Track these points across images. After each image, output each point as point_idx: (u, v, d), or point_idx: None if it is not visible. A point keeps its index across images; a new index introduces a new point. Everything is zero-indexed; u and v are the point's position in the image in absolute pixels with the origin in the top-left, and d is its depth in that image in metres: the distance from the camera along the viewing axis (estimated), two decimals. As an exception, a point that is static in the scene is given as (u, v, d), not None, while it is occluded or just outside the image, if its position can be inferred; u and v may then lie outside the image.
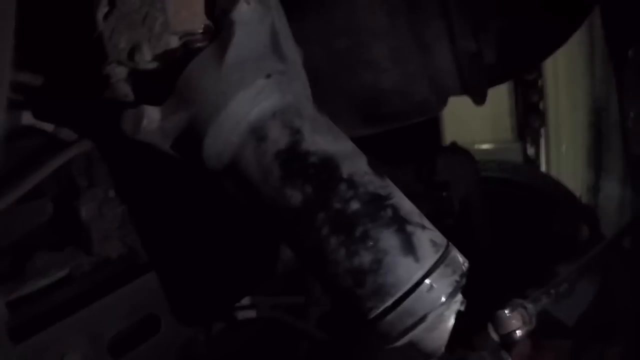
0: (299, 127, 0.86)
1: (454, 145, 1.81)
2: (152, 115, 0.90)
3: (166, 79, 0.93)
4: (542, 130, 2.87)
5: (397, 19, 1.37)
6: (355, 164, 0.85)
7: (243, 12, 0.90)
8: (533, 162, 2.95)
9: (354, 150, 0.88)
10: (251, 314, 1.53)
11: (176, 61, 0.94)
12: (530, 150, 2.95)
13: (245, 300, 1.53)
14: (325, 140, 0.86)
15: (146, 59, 0.94)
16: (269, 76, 0.89)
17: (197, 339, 1.44)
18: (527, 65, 2.23)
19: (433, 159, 1.69)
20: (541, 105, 2.85)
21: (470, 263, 0.89)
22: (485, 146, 2.92)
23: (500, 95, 2.85)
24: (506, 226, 1.91)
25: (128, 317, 1.20)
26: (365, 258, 0.80)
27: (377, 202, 0.82)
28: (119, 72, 0.96)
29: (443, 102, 1.48)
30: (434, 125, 2.40)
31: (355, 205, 0.82)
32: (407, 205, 0.85)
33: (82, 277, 1.18)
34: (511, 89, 2.87)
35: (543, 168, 2.90)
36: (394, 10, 1.37)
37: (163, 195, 1.25)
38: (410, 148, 1.76)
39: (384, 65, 1.37)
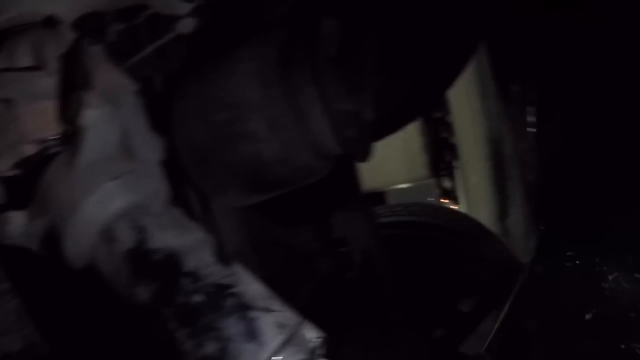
0: (144, 226, 0.90)
1: (349, 200, 1.85)
2: (17, 220, 0.93)
3: (27, 185, 0.95)
4: (455, 164, 2.92)
5: (271, 90, 1.41)
6: (198, 257, 0.89)
7: (89, 116, 0.94)
8: (451, 195, 3.01)
9: (198, 242, 0.92)
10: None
11: (34, 168, 0.97)
12: (447, 184, 3.01)
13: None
14: (170, 235, 0.89)
15: (6, 168, 0.97)
16: (116, 178, 0.92)
17: None
18: (414, 114, 2.29)
19: (328, 218, 1.73)
20: (452, 139, 2.91)
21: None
22: (402, 185, 2.95)
23: (411, 134, 2.90)
24: (415, 269, 1.95)
25: (33, 411, 1.20)
26: (210, 348, 0.83)
27: (219, 292, 0.86)
28: (-15, 179, 0.98)
29: (328, 164, 1.52)
30: (343, 176, 2.44)
31: (198, 298, 0.85)
32: (252, 291, 0.89)
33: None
34: (421, 127, 2.92)
35: (461, 200, 2.95)
36: (267, 83, 1.41)
37: (57, 284, 1.26)
38: (310, 206, 1.80)
39: (263, 136, 1.40)
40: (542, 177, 1.89)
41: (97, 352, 1.29)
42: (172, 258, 0.88)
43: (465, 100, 2.68)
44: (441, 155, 2.96)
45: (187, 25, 1.39)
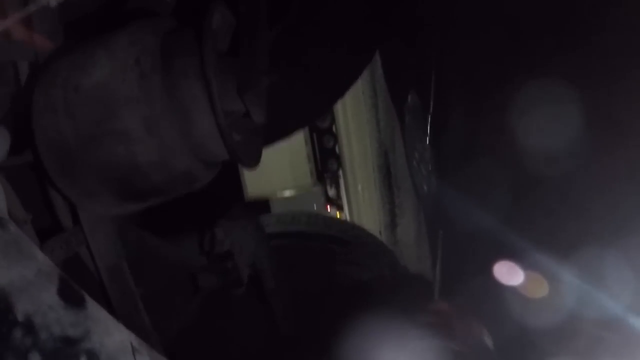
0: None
1: (235, 209, 1.60)
2: None
3: None
4: (340, 173, 2.77)
5: (149, 82, 1.15)
6: (36, 298, 0.59)
7: None
8: (336, 203, 2.86)
9: (38, 274, 0.62)
10: None
11: None
12: (332, 192, 2.86)
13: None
14: (-4, 266, 0.59)
15: None
16: None
17: None
18: (305, 120, 2.11)
19: (212, 230, 1.46)
20: (337, 149, 2.76)
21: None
22: (287, 193, 2.77)
23: (297, 143, 2.74)
24: (302, 280, 1.72)
25: None
26: None
27: (66, 349, 0.57)
28: None
29: (212, 170, 1.27)
30: (229, 181, 2.21)
31: (35, 358, 0.55)
32: (113, 342, 0.60)
33: None
34: (307, 137, 2.77)
35: (345, 209, 2.81)
36: (146, 74, 1.16)
37: None
38: (193, 216, 1.53)
39: (137, 136, 1.15)
40: (438, 186, 1.74)
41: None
42: None
43: (353, 111, 2.56)
44: (326, 164, 2.82)
45: (54, 0, 1.08)
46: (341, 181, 2.82)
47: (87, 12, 1.40)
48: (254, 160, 1.30)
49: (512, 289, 1.56)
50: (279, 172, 2.71)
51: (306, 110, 1.76)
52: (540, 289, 1.55)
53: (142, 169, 1.15)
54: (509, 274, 1.56)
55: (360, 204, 2.72)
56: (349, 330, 1.45)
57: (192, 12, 1.28)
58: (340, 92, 1.87)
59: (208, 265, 1.48)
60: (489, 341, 1.48)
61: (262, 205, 2.74)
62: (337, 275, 1.83)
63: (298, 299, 1.59)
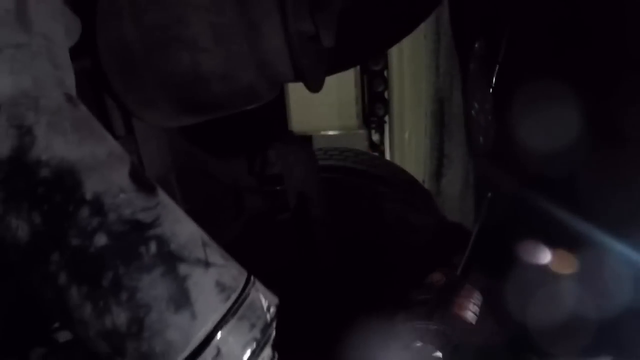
0: (30, 126, 0.54)
1: (288, 134, 1.55)
2: None
3: None
4: (387, 118, 2.69)
5: (222, -9, 1.09)
6: (106, 178, 0.54)
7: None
8: (378, 148, 2.80)
9: (110, 155, 0.57)
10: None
11: None
12: (375, 137, 2.80)
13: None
14: (67, 143, 0.54)
15: None
16: (-2, 51, 0.56)
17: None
18: (369, 53, 2.03)
19: (265, 151, 1.41)
20: (386, 94, 2.69)
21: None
22: (331, 133, 2.71)
23: (346, 83, 2.66)
24: (346, 216, 1.67)
25: None
26: (119, 317, 0.50)
27: (135, 233, 0.52)
28: None
29: (274, 89, 1.21)
30: (276, 111, 2.15)
31: (101, 240, 0.51)
32: (184, 233, 0.55)
33: None
34: (357, 77, 2.68)
35: (387, 155, 2.76)
36: (218, -18, 1.09)
37: None
38: (246, 137, 1.48)
39: (203, 45, 1.10)
40: (494, 142, 1.65)
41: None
42: (67, 176, 0.53)
43: (412, 53, 2.46)
44: (373, 108, 2.74)
45: None
46: (386, 127, 2.76)
47: None
48: (318, 85, 1.24)
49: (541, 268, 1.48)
50: (326, 110, 2.64)
51: (371, 42, 1.67)
52: (569, 266, 1.49)
53: (204, 79, 1.11)
54: (535, 252, 1.49)
55: (405, 151, 2.65)
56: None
57: None
58: (406, 30, 1.78)
59: (256, 186, 1.43)
60: (468, 312, 1.42)
61: (304, 140, 2.70)
62: (384, 212, 1.78)
63: (342, 231, 1.55)
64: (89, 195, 0.52)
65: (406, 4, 1.69)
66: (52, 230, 0.51)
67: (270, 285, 0.66)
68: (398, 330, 1.27)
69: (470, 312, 1.41)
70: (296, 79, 1.19)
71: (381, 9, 1.53)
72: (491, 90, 1.59)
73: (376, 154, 2.74)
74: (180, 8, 1.09)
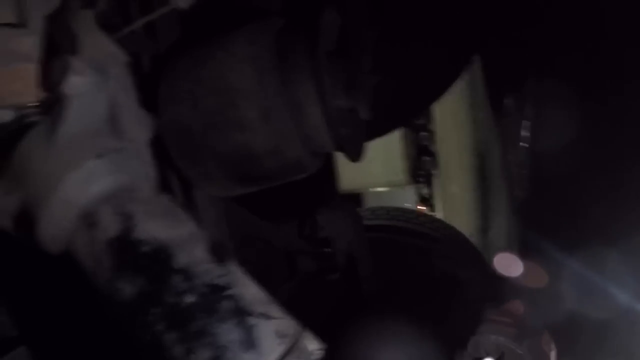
0: (131, 213, 0.77)
1: (336, 198, 1.75)
2: (-15, 196, 0.79)
3: (2, 156, 0.82)
4: (435, 172, 2.86)
5: (266, 78, 1.30)
6: (191, 252, 0.76)
7: (75, 84, 0.81)
8: (428, 203, 2.95)
9: (191, 235, 0.79)
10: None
11: (9, 137, 0.83)
12: (425, 191, 2.95)
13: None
14: (160, 226, 0.77)
15: (-20, 135, 0.83)
16: (101, 156, 0.79)
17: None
18: (405, 119, 2.21)
19: (314, 216, 1.62)
20: (432, 148, 2.85)
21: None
22: (380, 189, 2.88)
23: (392, 140, 2.83)
24: (394, 274, 1.85)
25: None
26: (203, 355, 0.71)
27: (214, 294, 0.74)
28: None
29: (318, 160, 1.42)
30: (324, 177, 2.34)
31: (190, 299, 0.73)
32: (250, 294, 0.77)
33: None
34: (403, 133, 2.85)
35: (437, 209, 2.90)
36: (263, 70, 1.31)
37: (30, 264, 1.13)
38: (297, 202, 1.68)
39: (254, 125, 1.29)
40: (531, 193, 1.81)
41: (69, 344, 1.16)
42: (161, 251, 0.75)
43: (451, 110, 2.63)
44: (420, 162, 2.91)
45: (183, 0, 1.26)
46: (435, 180, 2.91)
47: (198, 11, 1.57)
48: (358, 154, 1.44)
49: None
50: (374, 167, 2.80)
51: (406, 108, 1.87)
52: (539, 279, 1.62)
53: (256, 156, 1.30)
54: (509, 265, 1.63)
55: (453, 205, 2.79)
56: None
57: (298, 9, 1.43)
58: (440, 92, 1.97)
59: (307, 249, 1.63)
60: (552, 352, 1.55)
61: (355, 198, 2.87)
62: (432, 269, 1.94)
63: (391, 289, 1.72)
64: (179, 266, 0.75)
65: (440, 65, 1.89)
66: (152, 291, 0.73)
67: (321, 334, 0.86)
68: (477, 342, 1.42)
69: (553, 352, 1.56)
70: (337, 149, 1.39)
71: (416, 74, 1.74)
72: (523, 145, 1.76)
73: (424, 209, 2.89)
74: (232, 93, 1.31)
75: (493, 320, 1.58)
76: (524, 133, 1.79)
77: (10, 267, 1.12)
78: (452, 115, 2.65)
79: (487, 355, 1.52)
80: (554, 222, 1.76)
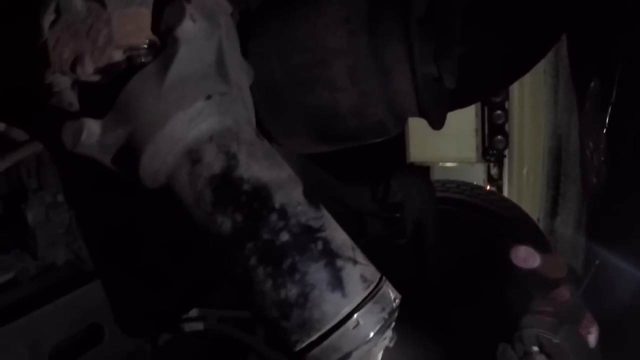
0: (235, 152, 0.82)
1: (410, 166, 1.78)
2: (92, 129, 0.85)
3: (108, 93, 0.88)
4: (506, 152, 2.84)
5: (357, 40, 1.34)
6: (289, 194, 0.81)
7: (188, 30, 0.86)
8: (496, 183, 2.93)
9: (289, 178, 0.84)
10: (199, 326, 1.48)
11: (118, 75, 0.89)
12: (494, 171, 2.93)
13: (193, 312, 1.48)
14: (261, 167, 0.82)
15: (88, 72, 0.89)
16: (209, 97, 0.85)
17: (142, 351, 1.40)
18: (488, 92, 2.21)
19: (388, 180, 1.66)
20: (506, 127, 2.83)
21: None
22: (449, 164, 2.88)
23: (466, 115, 2.80)
24: (459, 247, 1.88)
25: (71, 326, 1.15)
26: (291, 291, 0.76)
27: (307, 234, 0.79)
28: (62, 82, 0.91)
29: (400, 125, 1.45)
30: (397, 143, 2.37)
31: (285, 237, 0.78)
32: (339, 238, 0.82)
33: (26, 282, 1.12)
34: (478, 110, 2.83)
35: (505, 189, 2.88)
36: (355, 31, 1.34)
37: (111, 202, 1.21)
38: (369, 166, 1.73)
39: (341, 85, 1.34)
40: (606, 181, 1.80)
41: (148, 281, 1.24)
42: (261, 190, 0.81)
43: (531, 90, 2.59)
44: (493, 141, 2.88)
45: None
46: (506, 161, 2.89)
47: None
48: (440, 122, 1.46)
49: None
50: (445, 142, 2.78)
51: (489, 82, 1.88)
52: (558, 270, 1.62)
53: (341, 115, 1.35)
54: (526, 257, 1.63)
55: (522, 187, 2.77)
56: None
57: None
58: (523, 69, 1.97)
59: (378, 212, 1.68)
60: (591, 335, 1.57)
61: (423, 171, 2.87)
62: (496, 248, 1.96)
63: (453, 261, 1.76)
64: (277, 205, 0.80)
65: (525, 42, 1.88)
66: (250, 227, 0.78)
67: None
68: (520, 336, 1.46)
69: (593, 336, 1.58)
70: (421, 115, 1.42)
71: (501, 50, 1.74)
72: (605, 130, 1.75)
73: (493, 188, 2.89)
74: (322, 51, 1.35)
75: (535, 312, 1.61)
76: (607, 117, 1.78)
77: (95, 203, 1.19)
78: (531, 95, 2.62)
79: (529, 347, 1.56)
80: (629, 212, 1.75)
